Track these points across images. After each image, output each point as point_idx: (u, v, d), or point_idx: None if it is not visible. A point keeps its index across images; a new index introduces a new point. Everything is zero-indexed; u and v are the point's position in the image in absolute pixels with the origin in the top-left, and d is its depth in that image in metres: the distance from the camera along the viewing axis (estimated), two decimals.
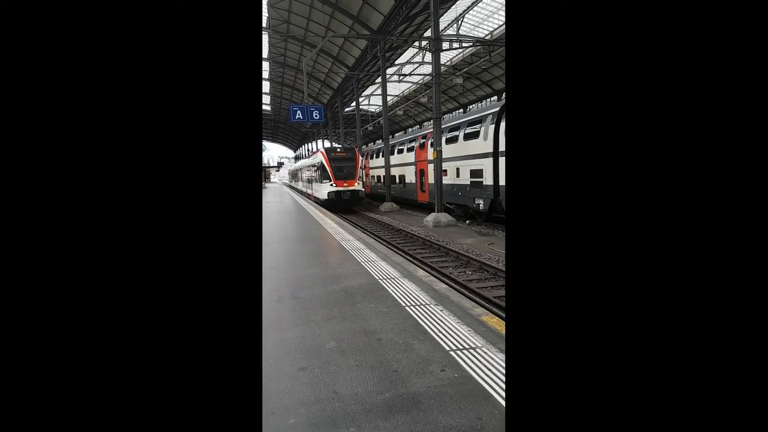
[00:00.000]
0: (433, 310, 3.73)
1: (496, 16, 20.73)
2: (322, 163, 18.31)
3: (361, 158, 19.15)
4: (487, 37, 21.72)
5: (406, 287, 4.49)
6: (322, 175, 18.31)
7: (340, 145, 25.41)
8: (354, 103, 25.83)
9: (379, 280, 4.80)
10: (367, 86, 29.24)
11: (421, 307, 3.83)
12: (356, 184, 17.96)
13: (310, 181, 23.44)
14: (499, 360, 2.70)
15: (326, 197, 17.50)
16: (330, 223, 10.71)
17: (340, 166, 17.93)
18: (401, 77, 26.01)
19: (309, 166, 23.89)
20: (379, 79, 21.49)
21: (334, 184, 17.53)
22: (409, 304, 3.90)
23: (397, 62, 24.59)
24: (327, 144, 38.08)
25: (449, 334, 3.17)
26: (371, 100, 34.10)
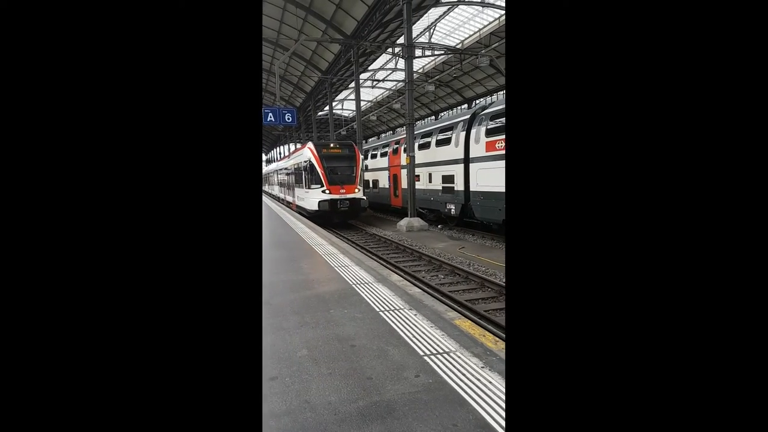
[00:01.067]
0: (407, 314, 3.71)
1: (467, 25, 21.25)
2: (310, 161, 13.80)
3: (362, 157, 14.94)
4: (458, 46, 22.21)
5: (380, 292, 4.45)
6: (311, 178, 13.81)
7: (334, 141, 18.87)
8: (327, 107, 25.69)
9: (353, 285, 4.74)
10: (341, 90, 29.18)
11: (395, 311, 3.80)
12: (356, 190, 13.65)
13: (290, 186, 18.18)
14: (472, 364, 2.71)
15: (317, 208, 13.20)
16: (302, 227, 10.53)
17: (335, 167, 13.59)
18: (374, 83, 26.13)
19: (290, 166, 18.53)
20: (352, 84, 21.49)
21: (327, 191, 13.19)
22: (383, 309, 3.86)
23: (370, 68, 24.70)
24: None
25: (423, 338, 3.16)
26: (345, 105, 34.03)
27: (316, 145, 14.07)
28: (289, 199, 18.87)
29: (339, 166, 13.69)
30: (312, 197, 13.61)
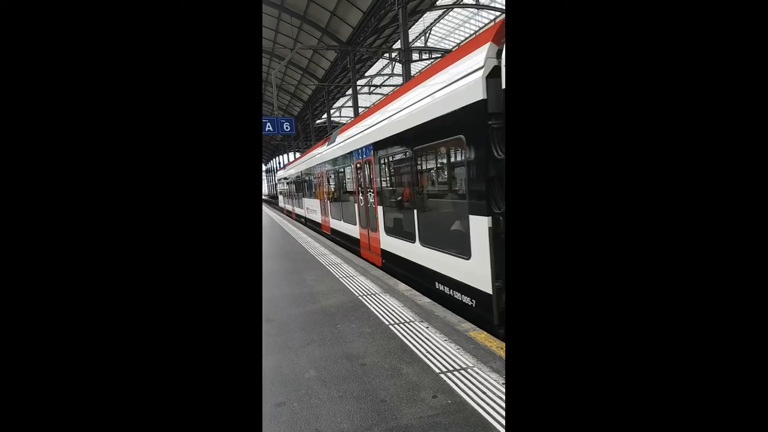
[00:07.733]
0: (419, 327, 3.54)
1: (462, 28, 21.25)
2: None
3: None
4: (454, 49, 22.19)
5: (388, 303, 4.28)
6: None
7: None
8: (325, 115, 25.65)
9: (360, 297, 4.57)
10: (338, 98, 29.18)
11: (406, 324, 3.62)
12: None
13: None
14: (492, 380, 2.53)
15: None
16: (303, 236, 10.37)
17: None
18: (372, 89, 26.10)
19: None
20: (349, 91, 21.43)
21: None
22: (392, 323, 3.69)
23: (367, 74, 24.69)
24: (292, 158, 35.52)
25: (438, 353, 2.98)
26: (342, 112, 34.02)
27: None
28: None
29: None
30: None
